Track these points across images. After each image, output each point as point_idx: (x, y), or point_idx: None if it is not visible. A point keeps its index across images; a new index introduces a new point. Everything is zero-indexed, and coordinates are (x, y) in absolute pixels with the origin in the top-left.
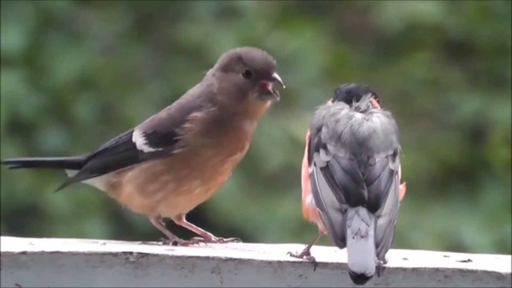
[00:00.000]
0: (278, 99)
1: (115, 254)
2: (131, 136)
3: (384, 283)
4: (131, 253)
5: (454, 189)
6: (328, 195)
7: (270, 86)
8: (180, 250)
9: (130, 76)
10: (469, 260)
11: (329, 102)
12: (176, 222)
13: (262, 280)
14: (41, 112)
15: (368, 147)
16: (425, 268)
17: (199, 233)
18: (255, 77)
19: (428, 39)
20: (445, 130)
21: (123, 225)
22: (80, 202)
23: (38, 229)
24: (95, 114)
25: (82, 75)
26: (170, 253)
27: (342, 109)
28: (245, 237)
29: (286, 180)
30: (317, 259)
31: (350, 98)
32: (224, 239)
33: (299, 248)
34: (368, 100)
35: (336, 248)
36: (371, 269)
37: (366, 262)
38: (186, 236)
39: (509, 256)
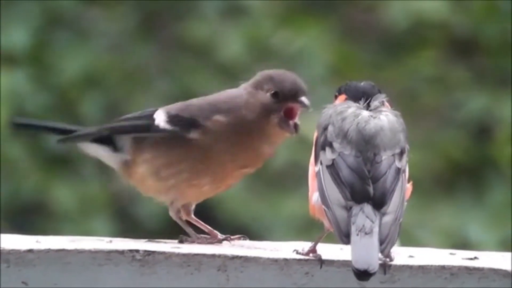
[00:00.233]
0: (295, 135)
1: (121, 252)
2: (153, 112)
3: (390, 281)
4: (137, 251)
5: (460, 187)
6: (334, 192)
7: (296, 115)
8: (186, 248)
9: (136, 74)
10: (475, 258)
11: (337, 101)
12: (185, 216)
13: (268, 278)
14: (47, 110)
15: (375, 145)
16: (431, 265)
17: (206, 230)
18: (282, 98)
19: (434, 37)
20: (451, 128)
21: (129, 223)
22: (86, 200)
23: (44, 227)
24: (101, 113)
25: (88, 73)
26: (176, 251)
27: (349, 108)
28: (252, 235)
29: (293, 178)
30: (324, 257)
31: (360, 97)
32: (231, 237)
33: (305, 246)
34: (381, 100)
35: (342, 246)
36: (374, 266)
37: (370, 258)
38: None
39: None
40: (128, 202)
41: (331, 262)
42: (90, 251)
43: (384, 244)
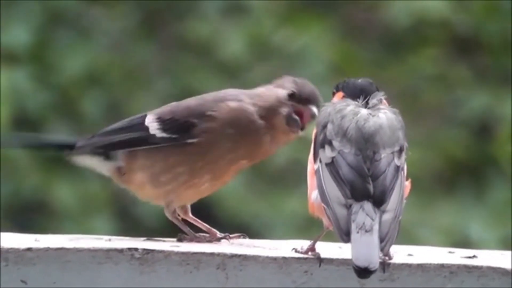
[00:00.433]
0: (300, 135)
1: (120, 251)
2: (144, 120)
3: (390, 279)
4: (136, 249)
5: (461, 185)
6: (333, 190)
7: (305, 118)
8: (185, 246)
9: (137, 73)
10: (474, 256)
11: (335, 99)
12: (182, 216)
13: (267, 276)
14: (48, 109)
15: (374, 143)
16: (430, 264)
17: (204, 228)
18: (298, 100)
19: (436, 35)
20: (452, 126)
21: (129, 221)
22: (87, 198)
23: (45, 225)
24: (102, 111)
25: (90, 72)
26: (175, 249)
27: (348, 105)
28: (252, 233)
29: (293, 177)
30: (323, 255)
31: (358, 94)
32: (230, 235)
33: (304, 244)
34: (379, 98)
35: (341, 244)
36: (375, 263)
37: (370, 256)
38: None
39: None
40: (128, 201)
41: (330, 261)
42: (89, 250)
43: (384, 242)
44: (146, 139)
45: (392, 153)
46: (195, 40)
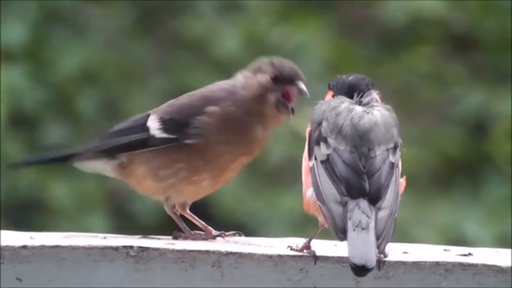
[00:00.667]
0: (291, 116)
1: (116, 248)
2: (146, 120)
3: (385, 277)
4: (131, 247)
5: (457, 183)
6: (329, 188)
7: (293, 98)
8: (181, 244)
9: (133, 70)
10: (469, 254)
11: (328, 97)
12: (180, 211)
13: (262, 274)
14: (44, 106)
15: (369, 140)
16: (425, 262)
17: (200, 226)
18: (281, 82)
19: (431, 33)
20: (448, 124)
21: (125, 219)
22: (82, 196)
23: (41, 223)
24: (98, 109)
25: (85, 69)
26: (171, 247)
27: (342, 103)
28: (248, 231)
29: (288, 174)
30: (318, 253)
31: (352, 92)
32: (225, 233)
33: (299, 242)
34: (372, 96)
35: (336, 242)
36: (372, 261)
37: (367, 254)
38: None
39: (509, 250)
40: (124, 199)
41: (325, 259)
42: (84, 248)
43: (380, 239)
44: (146, 141)
45: (387, 150)
46: (191, 38)
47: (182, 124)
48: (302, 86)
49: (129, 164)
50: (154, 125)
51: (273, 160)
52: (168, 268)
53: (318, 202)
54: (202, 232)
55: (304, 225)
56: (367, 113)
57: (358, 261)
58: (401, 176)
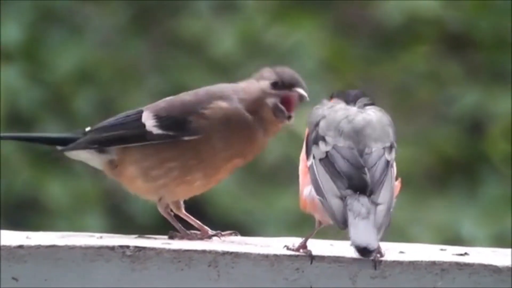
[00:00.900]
0: (289, 123)
1: (112, 248)
2: (140, 116)
3: (381, 277)
4: (127, 246)
5: (453, 183)
6: (328, 183)
7: (293, 104)
8: (177, 244)
9: (129, 70)
10: (466, 254)
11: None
12: (175, 211)
13: (259, 273)
14: (41, 106)
15: (364, 135)
16: (421, 261)
17: (196, 225)
18: (281, 87)
19: (428, 33)
20: (444, 123)
21: (121, 219)
22: (78, 196)
23: (37, 223)
24: (95, 108)
25: (82, 69)
26: (167, 246)
27: (338, 104)
28: (244, 230)
29: (285, 174)
30: (314, 253)
31: (348, 97)
32: (222, 233)
33: (296, 241)
34: (366, 101)
35: (333, 242)
36: (373, 244)
37: (369, 237)
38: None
39: (505, 250)
40: (120, 199)
41: (321, 258)
42: (80, 247)
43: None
44: (144, 136)
45: (383, 148)
46: (187, 37)
47: (180, 121)
48: (302, 91)
49: (120, 164)
50: (150, 122)
51: (270, 159)
52: (164, 268)
53: (318, 197)
54: (198, 232)
55: (300, 224)
56: (361, 112)
57: (360, 242)
58: (396, 179)
